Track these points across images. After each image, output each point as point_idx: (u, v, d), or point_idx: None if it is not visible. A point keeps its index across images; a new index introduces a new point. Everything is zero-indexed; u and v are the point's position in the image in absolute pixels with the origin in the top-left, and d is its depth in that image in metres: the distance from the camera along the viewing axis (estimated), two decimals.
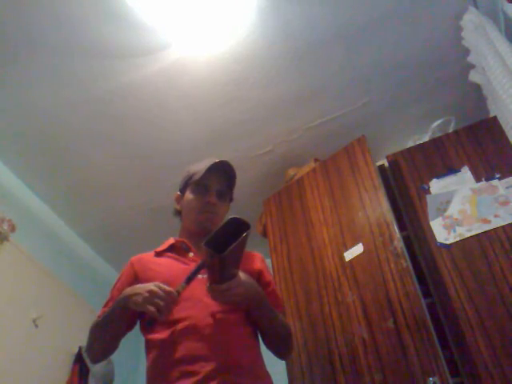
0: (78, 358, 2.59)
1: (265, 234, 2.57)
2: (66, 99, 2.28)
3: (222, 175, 1.53)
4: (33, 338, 2.38)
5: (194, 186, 1.51)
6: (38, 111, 2.32)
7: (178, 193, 1.59)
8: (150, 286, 1.20)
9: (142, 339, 1.37)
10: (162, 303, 1.15)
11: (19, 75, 2.15)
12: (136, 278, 1.39)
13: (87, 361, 2.56)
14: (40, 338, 2.42)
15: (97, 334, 1.35)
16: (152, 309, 1.15)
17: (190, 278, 1.21)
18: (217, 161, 1.49)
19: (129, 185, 2.79)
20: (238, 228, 1.14)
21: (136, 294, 1.20)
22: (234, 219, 1.16)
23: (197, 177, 1.49)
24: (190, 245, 1.47)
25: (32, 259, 2.54)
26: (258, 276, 1.44)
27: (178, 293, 1.18)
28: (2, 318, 2.22)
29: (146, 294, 1.17)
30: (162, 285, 1.20)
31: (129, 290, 1.25)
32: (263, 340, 1.42)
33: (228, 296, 1.21)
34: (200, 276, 1.35)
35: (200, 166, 1.52)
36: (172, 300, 1.17)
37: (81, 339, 2.59)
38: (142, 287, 1.21)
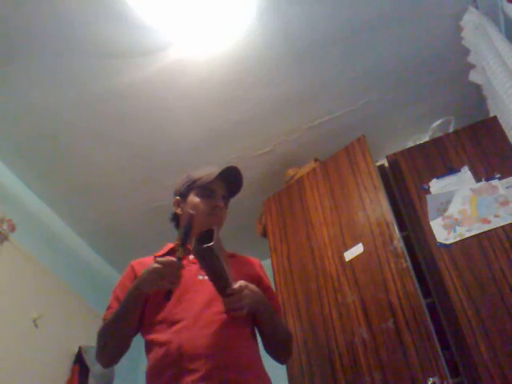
0: (78, 358, 2.59)
1: (265, 234, 2.57)
2: (66, 99, 2.28)
3: (227, 182, 1.55)
4: (33, 338, 2.38)
5: (200, 190, 1.52)
6: (38, 111, 2.32)
7: (177, 197, 1.58)
8: (151, 266, 1.24)
9: (142, 339, 1.37)
10: (169, 275, 1.22)
11: (19, 75, 2.15)
12: None
13: (87, 361, 2.56)
14: (40, 338, 2.42)
15: (108, 336, 1.34)
16: (165, 283, 1.22)
17: (183, 242, 1.29)
18: (228, 167, 1.52)
19: (129, 185, 2.79)
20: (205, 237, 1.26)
21: (144, 281, 1.25)
22: (199, 233, 1.28)
23: (204, 181, 1.50)
24: (190, 247, 1.47)
25: (32, 259, 2.54)
26: (258, 281, 1.45)
27: (179, 259, 1.25)
28: (2, 317, 2.22)
29: (152, 275, 1.23)
30: (160, 259, 1.25)
31: (135, 282, 1.29)
32: (264, 344, 1.43)
33: (239, 305, 1.26)
34: (201, 277, 1.37)
35: (203, 172, 1.54)
36: (175, 267, 1.23)
37: (81, 339, 2.60)
38: (144, 272, 1.26)
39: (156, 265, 1.23)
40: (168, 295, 1.25)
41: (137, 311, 1.32)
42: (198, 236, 1.27)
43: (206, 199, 1.50)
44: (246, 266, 1.51)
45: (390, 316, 1.79)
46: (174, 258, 1.24)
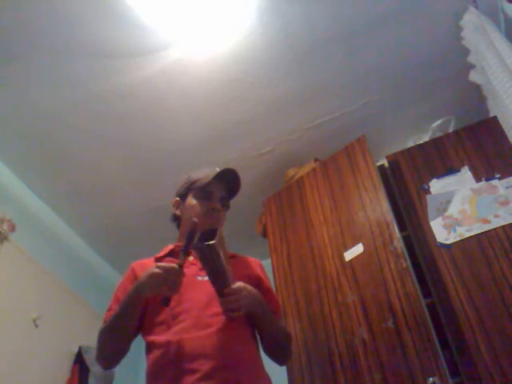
0: (78, 358, 2.58)
1: (265, 234, 2.57)
2: (66, 99, 2.28)
3: (226, 184, 1.54)
4: (33, 338, 2.38)
5: (198, 192, 1.51)
6: (38, 111, 2.32)
7: (177, 198, 1.58)
8: (152, 270, 1.23)
9: (142, 340, 1.37)
10: (170, 281, 1.21)
11: (19, 75, 2.15)
12: None
13: (87, 361, 2.55)
14: (40, 338, 2.42)
15: (108, 338, 1.34)
16: (165, 289, 1.21)
17: (186, 248, 1.26)
18: (225, 169, 1.51)
19: (129, 185, 2.79)
20: (207, 236, 1.25)
21: (143, 284, 1.24)
22: (202, 231, 1.27)
23: (201, 183, 1.50)
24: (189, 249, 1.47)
25: (32, 259, 2.54)
26: (258, 282, 1.45)
27: (180, 266, 1.23)
28: (2, 317, 2.22)
29: (152, 280, 1.22)
30: (161, 264, 1.24)
31: (134, 285, 1.28)
32: (263, 346, 1.43)
33: (236, 306, 1.26)
34: (200, 278, 1.37)
35: (202, 173, 1.53)
36: (176, 274, 1.22)
37: (81, 339, 2.60)
38: (144, 276, 1.25)
39: (157, 270, 1.22)
40: (166, 301, 1.24)
41: (136, 314, 1.31)
42: (200, 234, 1.26)
43: (203, 201, 1.50)
44: (247, 266, 1.50)
45: (390, 316, 1.79)
46: (175, 265, 1.23)
